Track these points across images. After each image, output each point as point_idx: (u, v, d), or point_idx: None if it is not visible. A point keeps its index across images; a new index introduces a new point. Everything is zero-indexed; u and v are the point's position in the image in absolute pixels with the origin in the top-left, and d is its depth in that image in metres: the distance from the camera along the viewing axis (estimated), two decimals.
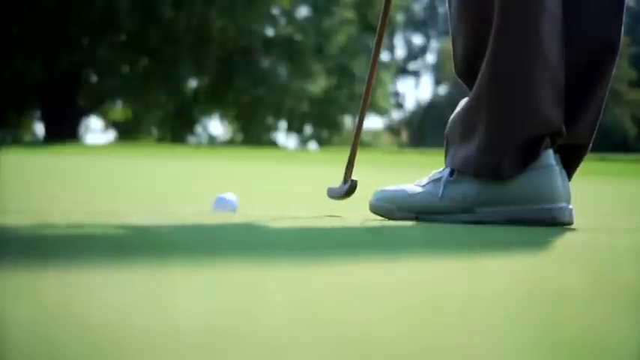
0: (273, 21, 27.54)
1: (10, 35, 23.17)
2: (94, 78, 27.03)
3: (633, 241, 1.59)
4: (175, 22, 24.89)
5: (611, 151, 17.27)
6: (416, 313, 0.72)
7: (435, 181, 1.91)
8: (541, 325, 0.67)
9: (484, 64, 1.83)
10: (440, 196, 1.88)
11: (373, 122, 61.65)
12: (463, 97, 1.97)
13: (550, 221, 1.80)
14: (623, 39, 1.90)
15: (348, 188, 2.07)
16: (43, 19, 23.36)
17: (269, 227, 1.60)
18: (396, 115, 41.85)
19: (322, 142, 29.26)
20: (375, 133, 39.12)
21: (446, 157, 1.93)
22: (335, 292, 0.82)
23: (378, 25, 2.07)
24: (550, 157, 1.82)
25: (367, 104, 2.15)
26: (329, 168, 9.16)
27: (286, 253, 1.17)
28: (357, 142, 2.13)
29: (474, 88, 1.85)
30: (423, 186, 1.93)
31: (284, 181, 5.43)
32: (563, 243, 1.49)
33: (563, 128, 1.83)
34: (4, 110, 25.58)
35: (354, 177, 2.08)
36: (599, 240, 1.57)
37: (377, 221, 1.82)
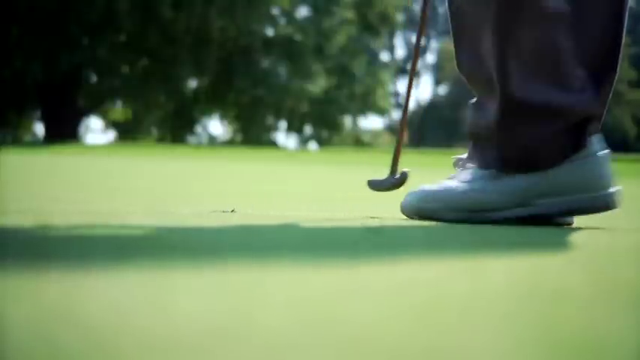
0: (273, 21, 27.54)
1: (10, 35, 23.18)
2: (94, 78, 27.05)
3: (633, 241, 1.59)
4: (175, 22, 24.89)
5: (611, 151, 17.23)
6: (416, 313, 0.72)
7: (473, 179, 1.87)
8: (541, 324, 0.68)
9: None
10: (488, 191, 1.84)
11: (373, 122, 61.59)
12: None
13: (604, 208, 1.82)
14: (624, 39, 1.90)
15: (400, 179, 2.02)
16: (43, 19, 23.36)
17: (269, 227, 1.60)
18: (396, 115, 41.82)
19: (322, 142, 29.26)
20: (375, 133, 39.10)
21: (472, 156, 1.90)
22: (335, 292, 0.82)
23: (420, 22, 2.04)
24: (595, 142, 1.82)
25: (411, 92, 2.10)
26: (329, 168, 9.16)
27: (286, 253, 1.17)
28: (403, 133, 2.07)
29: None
30: (467, 183, 1.88)
31: (284, 181, 5.43)
32: (563, 243, 1.49)
33: (601, 109, 1.83)
34: (4, 110, 25.58)
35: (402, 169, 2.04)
36: (599, 240, 1.57)
37: (377, 221, 1.82)
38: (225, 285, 0.85)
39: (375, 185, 2.08)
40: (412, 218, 1.88)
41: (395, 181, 2.04)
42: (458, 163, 2.00)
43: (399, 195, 2.03)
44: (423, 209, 1.87)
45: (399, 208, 1.98)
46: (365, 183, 2.06)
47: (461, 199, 1.85)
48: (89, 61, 24.81)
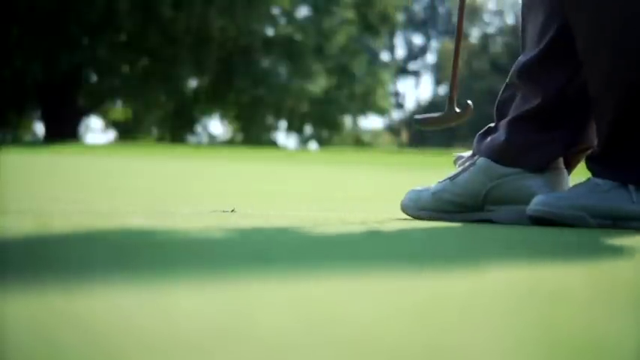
0: (273, 21, 27.53)
1: (10, 35, 23.17)
2: (94, 78, 27.05)
3: (633, 241, 1.59)
4: (175, 22, 24.89)
5: None
6: (416, 313, 0.72)
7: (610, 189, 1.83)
8: (541, 325, 0.68)
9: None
10: (633, 200, 1.81)
11: (373, 122, 61.58)
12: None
13: None
14: None
15: (464, 111, 1.98)
16: (43, 19, 23.36)
17: (269, 227, 1.60)
18: (396, 115, 41.83)
19: (322, 142, 29.25)
20: (375, 133, 39.10)
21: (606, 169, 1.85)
22: (335, 292, 0.82)
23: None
24: None
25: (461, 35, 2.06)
26: (329, 168, 9.16)
27: (286, 253, 1.17)
28: (457, 65, 2.01)
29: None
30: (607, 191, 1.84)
31: (284, 181, 5.43)
32: (563, 243, 1.49)
33: None
34: (4, 110, 25.58)
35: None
36: (599, 240, 1.57)
37: (377, 221, 1.82)
38: (226, 285, 0.85)
39: (426, 121, 2.03)
40: (563, 223, 1.81)
41: (459, 114, 1.98)
42: (458, 161, 2.00)
43: (400, 195, 2.03)
44: (567, 217, 1.81)
45: (399, 208, 1.98)
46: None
47: (605, 207, 1.82)
48: (89, 60, 24.82)
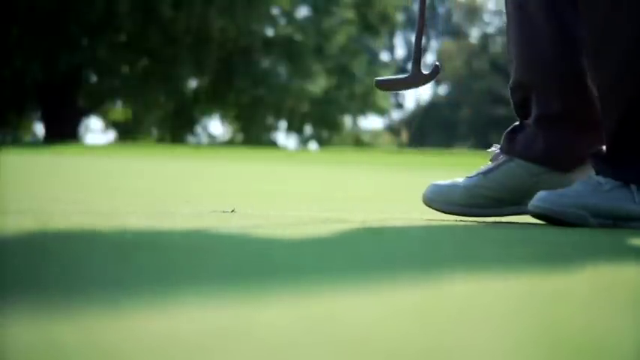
0: (272, 21, 27.53)
1: (10, 35, 23.17)
2: (93, 78, 27.03)
3: (633, 241, 1.59)
4: (175, 22, 24.87)
5: None
6: (416, 313, 0.72)
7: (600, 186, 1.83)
8: (541, 325, 0.68)
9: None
10: (635, 200, 1.81)
11: (373, 122, 61.56)
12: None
13: None
14: None
15: (432, 72, 1.95)
16: (42, 19, 23.36)
17: (268, 227, 1.60)
18: (396, 115, 41.82)
19: (322, 142, 29.24)
20: (375, 133, 39.10)
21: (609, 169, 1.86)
22: (335, 292, 0.82)
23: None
24: None
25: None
26: (329, 168, 9.16)
27: (286, 253, 1.17)
28: (422, 24, 1.95)
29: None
30: (608, 191, 1.84)
31: (284, 181, 5.43)
32: (564, 243, 1.49)
33: None
34: (4, 110, 25.57)
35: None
36: (599, 240, 1.57)
37: (377, 221, 1.82)
38: (225, 285, 0.85)
39: (388, 83, 2.00)
40: (566, 223, 1.81)
41: (426, 76, 1.95)
42: (493, 157, 2.01)
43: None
44: (569, 215, 1.80)
45: (399, 208, 1.98)
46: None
47: (606, 207, 1.82)
48: (89, 61, 24.80)
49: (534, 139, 1.97)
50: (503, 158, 1.99)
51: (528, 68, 1.97)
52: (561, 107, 1.94)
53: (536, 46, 1.96)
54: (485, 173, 1.99)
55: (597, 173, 1.86)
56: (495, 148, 2.03)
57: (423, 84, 1.96)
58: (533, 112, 1.97)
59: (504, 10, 2.02)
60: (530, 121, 1.98)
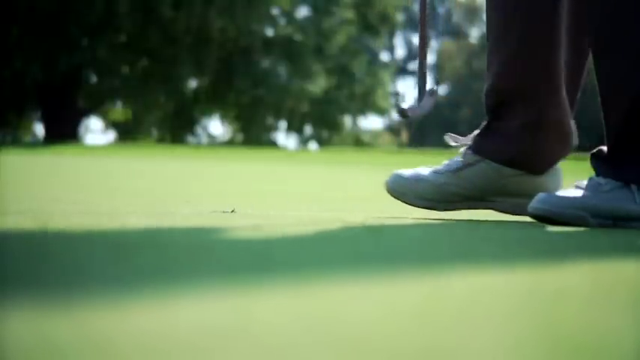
0: (272, 21, 27.52)
1: (10, 36, 23.17)
2: (93, 79, 27.02)
3: (633, 241, 1.59)
4: (175, 22, 24.87)
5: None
6: (416, 312, 0.72)
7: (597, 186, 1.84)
8: (541, 324, 0.68)
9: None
10: (636, 201, 1.81)
11: (373, 122, 61.55)
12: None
13: None
14: None
15: (434, 96, 2.03)
16: (42, 20, 23.36)
17: (268, 227, 1.60)
18: (396, 115, 41.74)
19: (322, 142, 29.23)
20: (375, 133, 39.08)
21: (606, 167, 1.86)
22: (335, 292, 0.82)
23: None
24: None
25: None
26: (329, 168, 9.16)
27: (286, 253, 1.17)
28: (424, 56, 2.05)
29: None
30: (606, 192, 1.83)
31: (284, 181, 5.43)
32: (563, 242, 1.49)
33: None
34: (4, 111, 25.57)
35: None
36: (599, 240, 1.57)
37: (377, 221, 1.82)
38: (225, 285, 0.85)
39: (414, 112, 2.05)
40: (567, 224, 1.80)
41: (431, 103, 2.03)
42: (453, 142, 2.05)
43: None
44: (570, 216, 1.80)
45: (399, 208, 1.98)
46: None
47: (606, 208, 1.81)
48: (89, 61, 24.79)
49: (506, 142, 2.00)
50: (474, 158, 2.02)
51: (508, 76, 1.99)
52: (537, 116, 1.97)
53: (519, 55, 1.98)
54: (455, 171, 2.02)
55: (597, 174, 1.86)
56: (459, 143, 2.05)
57: (430, 109, 2.04)
58: (511, 117, 1.99)
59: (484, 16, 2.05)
60: (503, 124, 2.00)
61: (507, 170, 2.00)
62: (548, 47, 1.95)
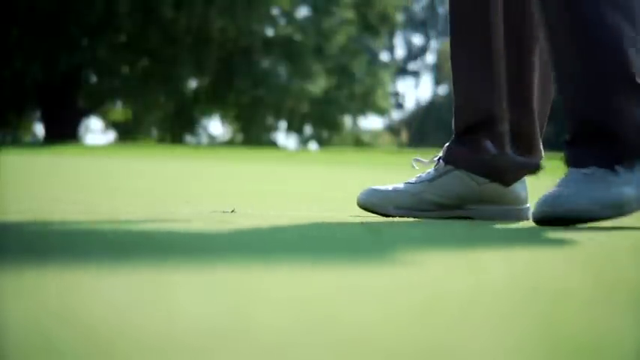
0: (272, 21, 27.52)
1: (10, 36, 23.17)
2: (93, 79, 27.03)
3: (633, 241, 1.59)
4: (175, 22, 24.87)
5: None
6: (416, 312, 0.72)
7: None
8: (541, 324, 0.67)
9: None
10: (629, 182, 1.80)
11: (373, 122, 61.59)
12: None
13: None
14: None
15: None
16: (42, 20, 23.36)
17: (268, 227, 1.60)
18: (396, 115, 41.81)
19: (322, 142, 29.24)
20: (375, 133, 39.08)
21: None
22: (335, 292, 0.82)
23: None
24: None
25: None
26: (329, 168, 9.16)
27: (286, 253, 1.17)
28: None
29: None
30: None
31: (284, 181, 5.43)
32: (563, 243, 1.49)
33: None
34: (4, 111, 25.58)
35: None
36: (599, 240, 1.56)
37: (377, 221, 1.82)
38: (225, 285, 0.85)
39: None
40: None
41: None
42: (417, 164, 2.09)
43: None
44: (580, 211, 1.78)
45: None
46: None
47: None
48: (89, 61, 24.80)
49: (476, 152, 2.02)
50: (446, 167, 2.05)
51: (480, 98, 2.01)
52: (510, 130, 2.00)
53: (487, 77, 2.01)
54: (431, 180, 2.05)
55: (575, 165, 1.82)
56: (427, 162, 2.08)
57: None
58: (480, 129, 2.02)
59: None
60: (473, 136, 2.03)
61: (481, 179, 2.03)
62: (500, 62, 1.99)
